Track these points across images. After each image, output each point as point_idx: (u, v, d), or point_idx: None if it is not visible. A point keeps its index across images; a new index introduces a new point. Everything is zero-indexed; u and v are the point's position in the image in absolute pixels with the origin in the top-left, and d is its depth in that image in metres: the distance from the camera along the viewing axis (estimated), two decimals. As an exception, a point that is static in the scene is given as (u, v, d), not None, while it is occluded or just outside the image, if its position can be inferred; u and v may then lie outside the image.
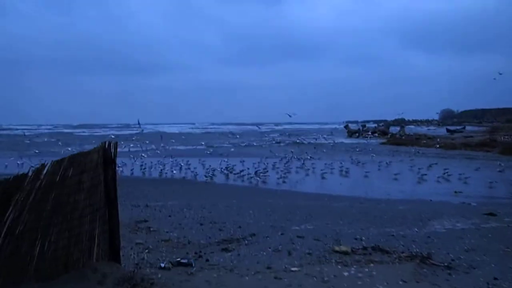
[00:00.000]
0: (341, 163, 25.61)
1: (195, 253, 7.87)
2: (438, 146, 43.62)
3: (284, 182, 20.06)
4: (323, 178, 21.39)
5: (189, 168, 24.34)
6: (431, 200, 14.50)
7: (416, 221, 10.81)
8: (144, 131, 49.28)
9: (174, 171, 23.63)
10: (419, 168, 24.12)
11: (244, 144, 34.00)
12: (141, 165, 25.29)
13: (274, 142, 38.36)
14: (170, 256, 7.65)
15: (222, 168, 23.57)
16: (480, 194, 16.63)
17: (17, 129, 71.91)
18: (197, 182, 19.90)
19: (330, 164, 25.04)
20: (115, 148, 6.69)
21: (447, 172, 21.67)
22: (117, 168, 6.88)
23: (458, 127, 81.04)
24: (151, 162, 26.42)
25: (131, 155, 28.36)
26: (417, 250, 8.05)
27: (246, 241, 8.78)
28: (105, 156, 6.56)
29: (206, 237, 9.07)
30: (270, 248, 8.18)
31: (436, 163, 25.40)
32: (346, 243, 8.55)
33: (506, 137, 44.19)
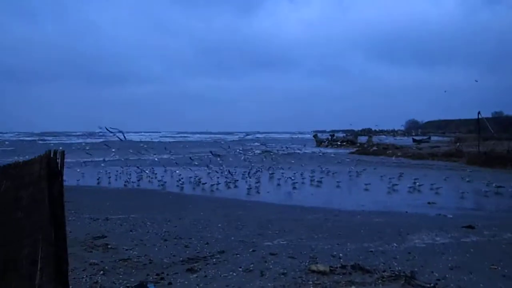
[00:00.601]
0: (312, 173, 25.12)
1: (157, 274, 7.02)
2: (406, 156, 44.07)
3: (256, 192, 19.31)
4: (294, 188, 20.78)
5: (155, 178, 23.35)
6: (406, 212, 14.07)
7: (395, 235, 10.29)
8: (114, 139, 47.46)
9: (139, 182, 22.54)
10: (389, 178, 23.89)
11: (213, 153, 33.14)
12: (107, 175, 24.18)
13: (243, 151, 37.72)
14: (128, 279, 6.79)
15: (190, 178, 22.65)
16: (454, 205, 16.36)
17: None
18: (163, 193, 18.87)
19: (300, 174, 24.55)
20: (62, 158, 5.77)
21: (417, 182, 21.49)
22: (63, 182, 5.95)
23: (423, 137, 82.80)
24: (117, 171, 25.31)
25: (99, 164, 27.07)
26: (399, 268, 7.47)
27: (214, 259, 7.99)
28: (50, 167, 5.65)
29: (170, 255, 8.21)
30: (240, 267, 7.43)
31: (404, 173, 25.25)
32: (322, 260, 7.91)
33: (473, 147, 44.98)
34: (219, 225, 11.41)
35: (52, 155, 5.80)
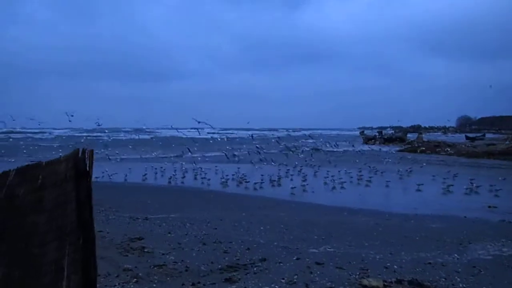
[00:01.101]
0: (359, 171, 24.05)
1: (192, 284, 6.49)
2: (459, 154, 41.78)
3: (301, 192, 18.56)
4: (341, 187, 19.81)
5: (199, 175, 23.14)
6: (465, 217, 12.84)
7: (455, 244, 9.28)
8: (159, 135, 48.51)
9: (183, 179, 22.35)
10: (443, 178, 22.46)
11: (263, 151, 33.00)
12: (153, 171, 24.41)
13: (288, 148, 37.08)
14: (162, 288, 6.27)
15: (235, 176, 22.24)
16: (518, 209, 14.91)
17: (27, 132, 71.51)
18: (206, 192, 18.45)
19: (348, 172, 23.56)
20: (91, 157, 5.32)
21: (474, 183, 19.96)
22: (91, 183, 5.49)
23: (477, 134, 78.49)
24: (162, 168, 25.36)
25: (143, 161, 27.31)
26: (464, 286, 6.53)
27: (255, 268, 7.36)
28: (77, 167, 5.22)
29: (208, 262, 7.65)
30: (283, 279, 6.75)
31: (458, 173, 23.60)
32: (374, 273, 7.09)
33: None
34: (261, 227, 10.79)
35: (80, 155, 5.38)
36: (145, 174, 23.75)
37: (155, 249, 8.39)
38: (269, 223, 11.39)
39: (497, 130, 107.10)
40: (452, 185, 19.93)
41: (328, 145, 42.22)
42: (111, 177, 22.81)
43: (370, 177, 22.94)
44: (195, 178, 22.82)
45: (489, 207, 15.05)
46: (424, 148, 46.78)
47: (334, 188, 19.74)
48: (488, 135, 79.32)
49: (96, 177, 21.73)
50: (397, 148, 50.31)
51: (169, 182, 21.61)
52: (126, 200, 15.19)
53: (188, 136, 38.43)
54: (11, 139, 47.39)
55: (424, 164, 31.31)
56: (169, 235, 9.79)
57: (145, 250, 8.32)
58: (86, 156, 5.35)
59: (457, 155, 42.19)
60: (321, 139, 37.41)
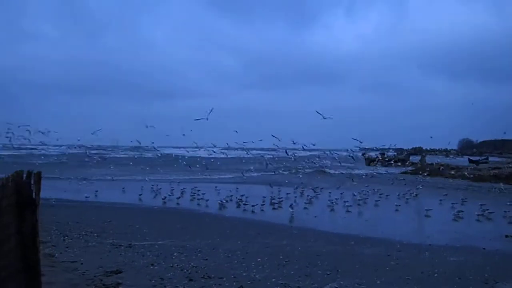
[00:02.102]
0: (364, 194, 22.84)
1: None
2: (464, 177, 40.53)
3: (304, 216, 17.36)
4: (347, 211, 18.54)
5: (196, 196, 21.95)
6: (484, 249, 11.56)
7: (480, 284, 8.05)
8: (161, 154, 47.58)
9: (179, 199, 21.13)
10: (452, 203, 21.24)
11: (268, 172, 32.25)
12: (149, 192, 23.44)
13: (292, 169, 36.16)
14: None
15: (232, 198, 21.05)
16: (539, 239, 13.64)
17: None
18: (201, 214, 17.23)
19: (353, 195, 22.35)
20: (38, 182, 4.17)
21: (486, 209, 18.73)
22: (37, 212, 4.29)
23: (480, 158, 77.25)
24: (158, 188, 24.27)
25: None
26: None
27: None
28: (20, 194, 4.06)
29: (193, 306, 6.42)
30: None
31: (466, 198, 22.32)
32: (393, 322, 5.83)
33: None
34: (258, 259, 9.54)
35: (25, 178, 4.24)
36: (141, 194, 22.66)
37: (133, 286, 7.15)
38: (268, 253, 10.15)
39: (499, 154, 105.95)
40: (462, 211, 18.64)
41: (329, 165, 40.95)
42: (98, 197, 21.68)
43: (377, 201, 21.72)
44: (192, 199, 21.59)
45: (506, 236, 13.77)
46: (429, 171, 45.53)
47: (338, 212, 18.48)
48: (491, 159, 78.14)
49: (87, 197, 20.56)
50: (401, 170, 49.03)
51: (164, 203, 20.42)
52: (113, 224, 13.97)
53: (192, 155, 37.74)
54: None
55: (430, 187, 30.09)
56: (151, 267, 8.55)
57: (120, 288, 7.09)
58: (32, 181, 4.23)
59: (462, 178, 40.92)
60: (324, 160, 36.18)
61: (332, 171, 40.13)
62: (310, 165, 34.62)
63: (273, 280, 7.91)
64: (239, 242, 11.60)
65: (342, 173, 36.50)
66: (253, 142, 28.53)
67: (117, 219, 14.94)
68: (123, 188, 25.53)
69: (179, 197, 21.56)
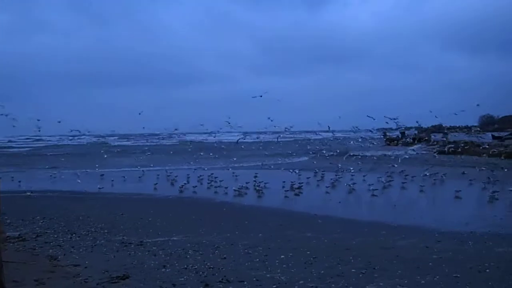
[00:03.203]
0: (389, 176, 21.63)
1: None
2: (492, 155, 38.80)
3: (327, 202, 16.35)
4: (372, 196, 17.38)
5: (215, 183, 21.12)
6: (533, 236, 10.38)
7: (543, 282, 6.88)
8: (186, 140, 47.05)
9: (196, 188, 20.25)
10: (483, 183, 19.92)
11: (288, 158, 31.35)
12: (166, 180, 22.78)
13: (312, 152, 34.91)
14: None
15: (251, 185, 20.11)
16: None
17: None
18: (218, 204, 16.28)
19: (378, 178, 21.18)
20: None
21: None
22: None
23: (504, 133, 74.66)
24: (175, 176, 23.56)
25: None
26: None
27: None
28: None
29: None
30: None
31: (496, 177, 20.88)
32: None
33: None
34: (282, 256, 8.54)
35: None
36: (156, 184, 21.90)
37: (141, 295, 6.23)
38: (292, 248, 9.14)
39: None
40: (498, 191, 17.30)
41: (352, 147, 39.55)
42: (113, 187, 21.03)
43: (403, 183, 20.53)
44: (209, 187, 20.70)
45: (555, 220, 12.52)
46: (454, 149, 43.88)
47: (364, 197, 17.35)
48: (515, 135, 75.57)
49: (100, 188, 19.88)
50: (424, 150, 47.43)
51: (181, 191, 19.59)
52: (124, 218, 13.13)
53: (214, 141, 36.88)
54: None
55: (457, 167, 28.63)
56: (163, 270, 7.62)
57: (127, 297, 6.18)
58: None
59: (488, 155, 39.21)
60: (345, 141, 34.86)
61: (359, 153, 38.86)
62: (335, 147, 33.33)
63: (301, 282, 6.90)
64: (260, 235, 10.62)
65: (365, 155, 35.06)
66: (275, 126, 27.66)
67: (130, 212, 14.11)
68: (139, 177, 24.89)
69: (196, 186, 20.68)
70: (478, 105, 32.63)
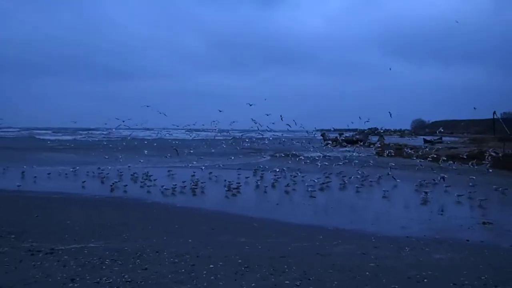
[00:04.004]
0: (327, 177, 21.58)
1: None
2: (423, 157, 40.38)
3: (265, 204, 15.81)
4: (311, 197, 17.06)
5: (149, 182, 19.95)
6: (468, 241, 10.31)
7: (480, 291, 6.64)
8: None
9: (127, 187, 18.95)
10: (416, 185, 20.43)
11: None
12: (96, 178, 21.35)
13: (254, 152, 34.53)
14: None
15: (187, 183, 19.21)
16: (516, 226, 12.63)
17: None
18: (149, 205, 15.17)
19: (317, 179, 20.98)
20: None
21: (452, 192, 17.95)
22: None
23: (435, 137, 78.76)
24: (106, 174, 22.09)
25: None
26: None
27: None
28: None
29: None
30: None
31: (429, 179, 21.51)
32: None
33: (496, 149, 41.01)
34: (211, 265, 7.74)
35: None
36: (84, 181, 20.32)
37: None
38: (223, 256, 8.37)
39: (450, 134, 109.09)
40: (429, 192, 17.62)
41: (293, 147, 39.53)
42: (36, 184, 19.25)
43: (341, 184, 20.50)
44: (142, 186, 19.50)
45: (484, 223, 12.70)
46: (392, 152, 45.28)
47: (302, 199, 16.98)
48: (444, 138, 79.97)
49: (19, 186, 18.06)
50: (362, 152, 48.57)
51: (111, 190, 18.25)
52: (38, 220, 11.75)
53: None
54: None
55: (394, 168, 29.31)
56: (71, 285, 6.56)
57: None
58: None
59: (421, 158, 40.77)
60: (283, 141, 34.68)
61: (296, 153, 38.77)
62: (274, 147, 33.01)
63: (230, 298, 6.16)
64: (190, 241, 9.75)
65: (302, 155, 35.08)
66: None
67: (46, 214, 12.71)
68: (66, 174, 23.06)
69: (126, 185, 19.37)
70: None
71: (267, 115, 26.31)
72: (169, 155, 28.80)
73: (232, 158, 30.81)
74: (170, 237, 10.12)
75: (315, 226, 11.74)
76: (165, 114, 26.68)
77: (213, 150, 32.49)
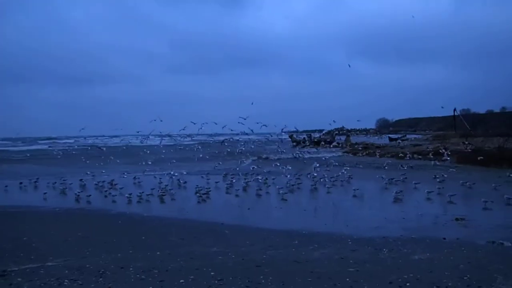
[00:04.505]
0: (297, 178, 21.31)
1: None
2: (389, 155, 40.97)
3: (236, 209, 15.29)
4: (282, 200, 16.71)
5: (114, 191, 19.19)
6: (444, 239, 10.13)
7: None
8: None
9: (89, 197, 18.01)
10: (385, 183, 20.51)
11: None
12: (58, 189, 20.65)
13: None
14: None
15: (152, 190, 18.51)
16: (487, 221, 12.61)
17: None
18: (113, 216, 14.32)
19: (289, 181, 20.69)
20: None
21: (423, 189, 18.05)
22: None
23: (399, 135, 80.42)
24: (69, 184, 21.04)
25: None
26: None
27: None
28: None
29: None
30: None
31: (397, 177, 21.64)
32: None
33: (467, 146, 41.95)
34: (181, 280, 7.18)
35: None
36: (45, 193, 19.22)
37: None
38: (194, 269, 7.82)
39: (413, 131, 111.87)
40: (401, 191, 17.58)
41: (262, 149, 39.19)
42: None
43: (312, 185, 20.22)
44: (106, 196, 18.62)
45: (457, 219, 12.65)
46: (361, 151, 45.79)
47: (274, 201, 16.60)
48: (408, 136, 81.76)
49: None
50: (329, 152, 48.83)
51: (77, 201, 17.35)
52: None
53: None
54: None
55: (362, 167, 29.43)
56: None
57: None
58: None
59: (387, 156, 41.33)
60: (253, 145, 34.23)
61: (266, 156, 38.40)
62: (243, 149, 32.59)
63: (202, 317, 5.63)
64: (158, 253, 9.13)
65: (272, 158, 34.85)
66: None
67: (5, 229, 11.77)
68: (20, 183, 21.83)
69: (90, 195, 18.42)
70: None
71: (244, 118, 25.72)
72: (144, 162, 27.72)
73: (202, 162, 30.17)
74: (136, 250, 9.45)
75: (289, 231, 11.30)
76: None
77: (178, 156, 31.78)
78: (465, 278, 7.02)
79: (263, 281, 7.08)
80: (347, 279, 7.08)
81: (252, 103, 26.29)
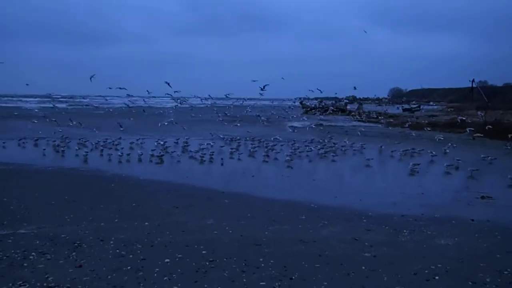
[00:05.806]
0: (306, 146, 20.11)
1: None
2: (403, 125, 39.44)
3: (239, 176, 14.23)
4: (288, 167, 15.58)
5: (115, 151, 18.34)
6: (472, 220, 8.92)
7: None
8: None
9: (86, 157, 17.02)
10: (400, 154, 19.20)
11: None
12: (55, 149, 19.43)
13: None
14: None
15: (153, 151, 17.53)
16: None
17: None
18: (107, 178, 13.26)
19: (296, 148, 19.51)
20: None
21: (441, 162, 16.79)
22: None
23: (413, 106, 78.23)
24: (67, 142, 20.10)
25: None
26: None
27: None
28: None
29: None
30: None
31: (414, 148, 20.29)
32: None
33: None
34: (167, 260, 6.09)
35: None
36: (44, 149, 18.43)
37: None
38: (184, 245, 6.74)
39: (426, 102, 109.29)
40: (418, 164, 16.26)
41: (273, 116, 37.87)
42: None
43: (324, 153, 19.01)
44: (101, 154, 17.70)
45: (483, 198, 11.38)
46: (376, 118, 44.44)
47: (280, 169, 15.41)
48: (422, 107, 79.55)
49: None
50: (343, 119, 47.43)
51: (85, 160, 16.54)
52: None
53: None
54: None
55: (375, 137, 28.06)
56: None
57: None
58: None
59: (402, 126, 39.83)
60: (261, 110, 32.93)
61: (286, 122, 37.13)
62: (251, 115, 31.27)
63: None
64: (146, 224, 8.05)
65: (284, 124, 33.54)
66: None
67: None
68: (19, 140, 20.93)
69: (87, 153, 17.50)
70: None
71: (254, 81, 24.36)
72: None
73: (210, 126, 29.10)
74: (122, 218, 8.39)
75: (296, 203, 10.16)
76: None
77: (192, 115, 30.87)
78: (505, 272, 5.85)
79: (262, 264, 5.97)
80: (363, 267, 5.94)
81: (253, 81, 24.30)
